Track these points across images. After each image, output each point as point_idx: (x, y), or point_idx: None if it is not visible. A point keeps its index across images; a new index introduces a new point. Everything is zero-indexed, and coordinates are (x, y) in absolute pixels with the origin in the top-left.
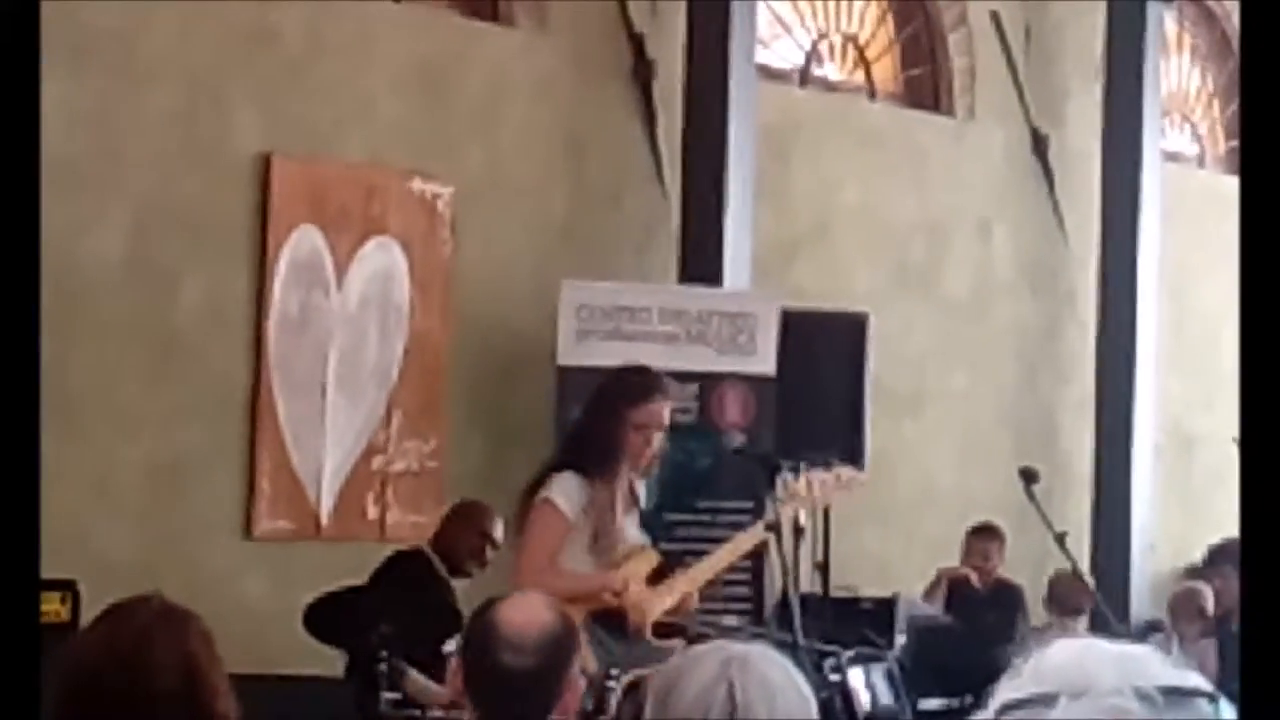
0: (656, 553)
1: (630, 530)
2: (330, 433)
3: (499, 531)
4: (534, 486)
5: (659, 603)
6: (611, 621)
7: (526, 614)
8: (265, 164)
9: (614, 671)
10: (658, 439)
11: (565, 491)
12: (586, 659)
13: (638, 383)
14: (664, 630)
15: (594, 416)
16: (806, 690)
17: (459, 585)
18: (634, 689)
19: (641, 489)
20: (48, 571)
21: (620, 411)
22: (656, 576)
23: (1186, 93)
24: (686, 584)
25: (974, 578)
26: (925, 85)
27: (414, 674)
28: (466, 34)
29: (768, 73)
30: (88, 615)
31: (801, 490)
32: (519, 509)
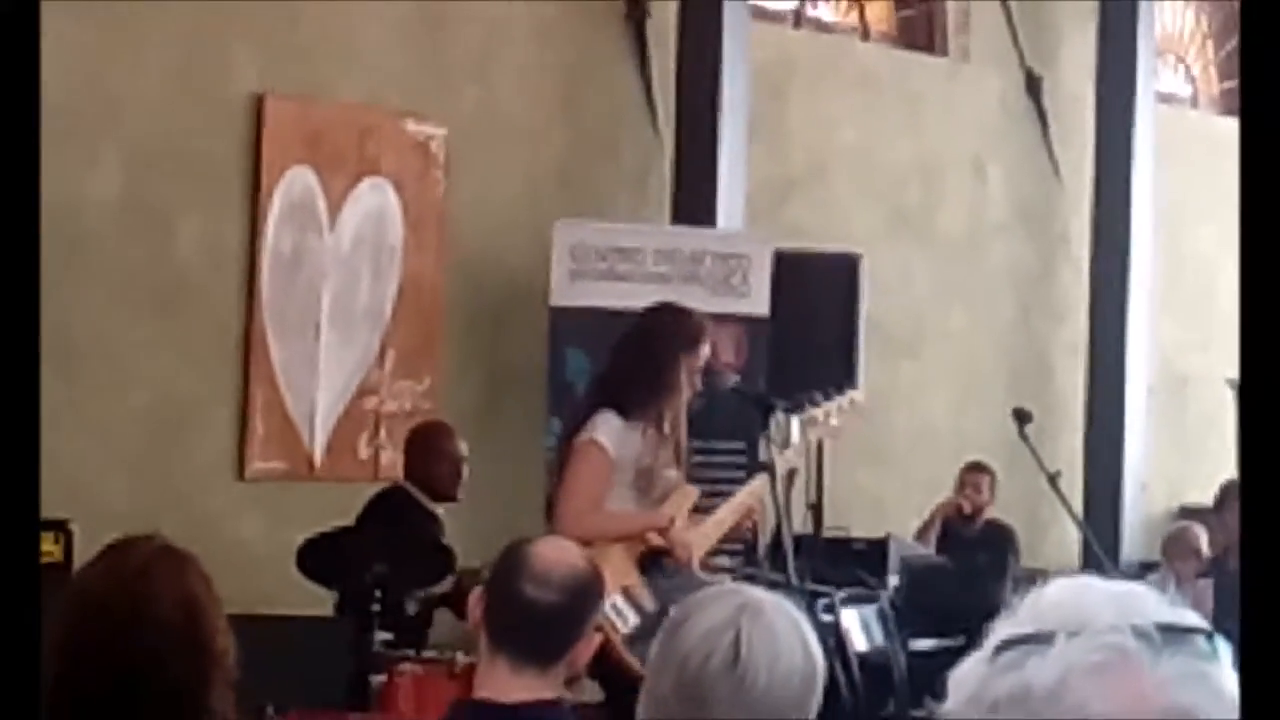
0: (696, 490)
1: (669, 469)
2: (323, 373)
3: (464, 449)
4: (575, 428)
5: (702, 538)
6: (662, 559)
7: (558, 553)
8: (259, 104)
9: (671, 609)
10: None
11: (609, 432)
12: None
13: (690, 326)
14: (709, 567)
15: (643, 357)
16: (815, 649)
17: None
18: None
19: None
20: (42, 513)
21: (676, 354)
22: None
23: (1180, 34)
24: (726, 516)
25: (965, 506)
26: (919, 26)
27: None
28: None
29: (761, 14)
30: (82, 556)
31: (819, 416)
32: (559, 451)
